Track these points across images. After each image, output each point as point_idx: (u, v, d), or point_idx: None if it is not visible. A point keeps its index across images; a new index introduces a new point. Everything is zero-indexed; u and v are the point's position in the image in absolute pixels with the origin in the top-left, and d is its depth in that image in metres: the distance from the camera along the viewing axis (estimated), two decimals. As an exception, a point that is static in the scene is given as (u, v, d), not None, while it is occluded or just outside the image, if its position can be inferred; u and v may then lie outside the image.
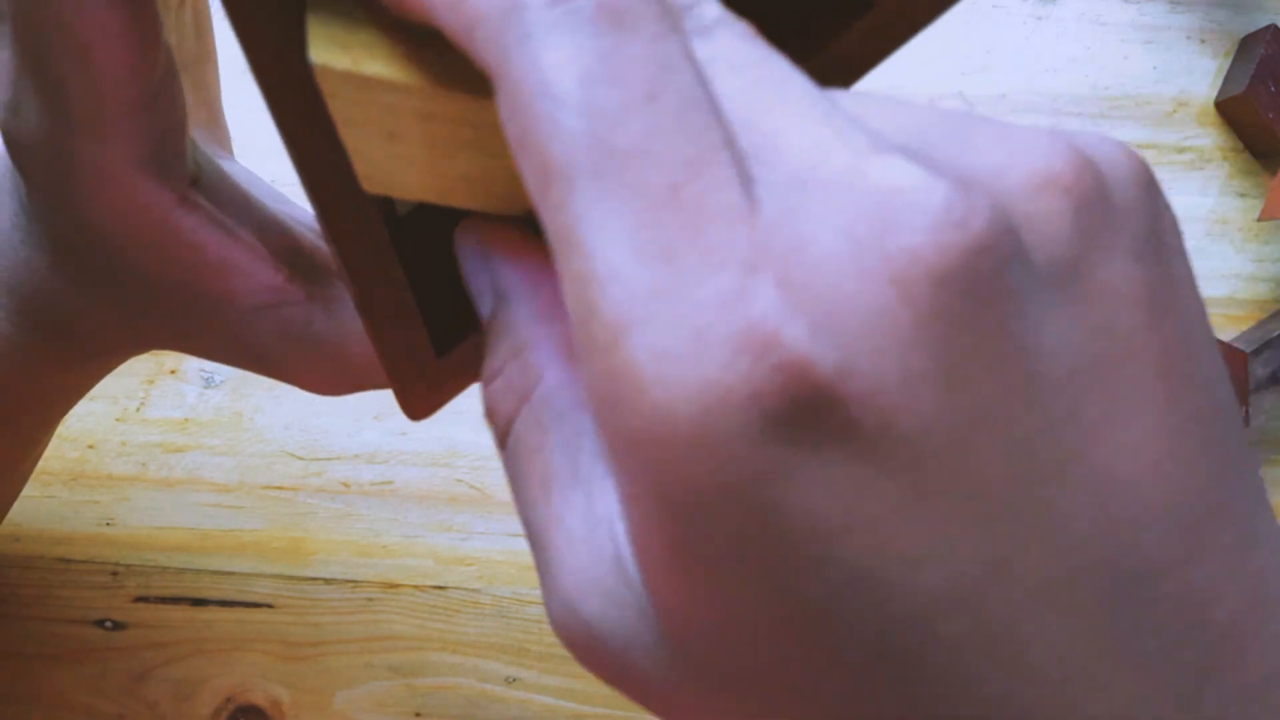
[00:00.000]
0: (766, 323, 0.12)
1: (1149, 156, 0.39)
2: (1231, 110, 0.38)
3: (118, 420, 0.40)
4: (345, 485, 0.40)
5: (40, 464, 0.40)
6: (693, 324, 0.12)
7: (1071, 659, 0.13)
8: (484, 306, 0.18)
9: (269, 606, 0.40)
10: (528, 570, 0.40)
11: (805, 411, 0.12)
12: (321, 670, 0.40)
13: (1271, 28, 0.37)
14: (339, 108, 0.16)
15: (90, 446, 0.40)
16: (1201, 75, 0.39)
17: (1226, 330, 0.38)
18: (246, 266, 0.24)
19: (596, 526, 0.15)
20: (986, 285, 0.12)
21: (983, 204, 0.12)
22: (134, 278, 0.24)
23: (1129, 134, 0.39)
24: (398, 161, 0.17)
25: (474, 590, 0.40)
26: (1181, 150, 0.39)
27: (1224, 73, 0.39)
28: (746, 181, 0.13)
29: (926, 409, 0.12)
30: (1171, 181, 0.39)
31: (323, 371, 0.25)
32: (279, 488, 0.40)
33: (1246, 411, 0.37)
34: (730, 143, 0.13)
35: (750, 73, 0.13)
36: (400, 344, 0.21)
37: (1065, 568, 0.13)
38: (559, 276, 0.13)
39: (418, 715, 0.40)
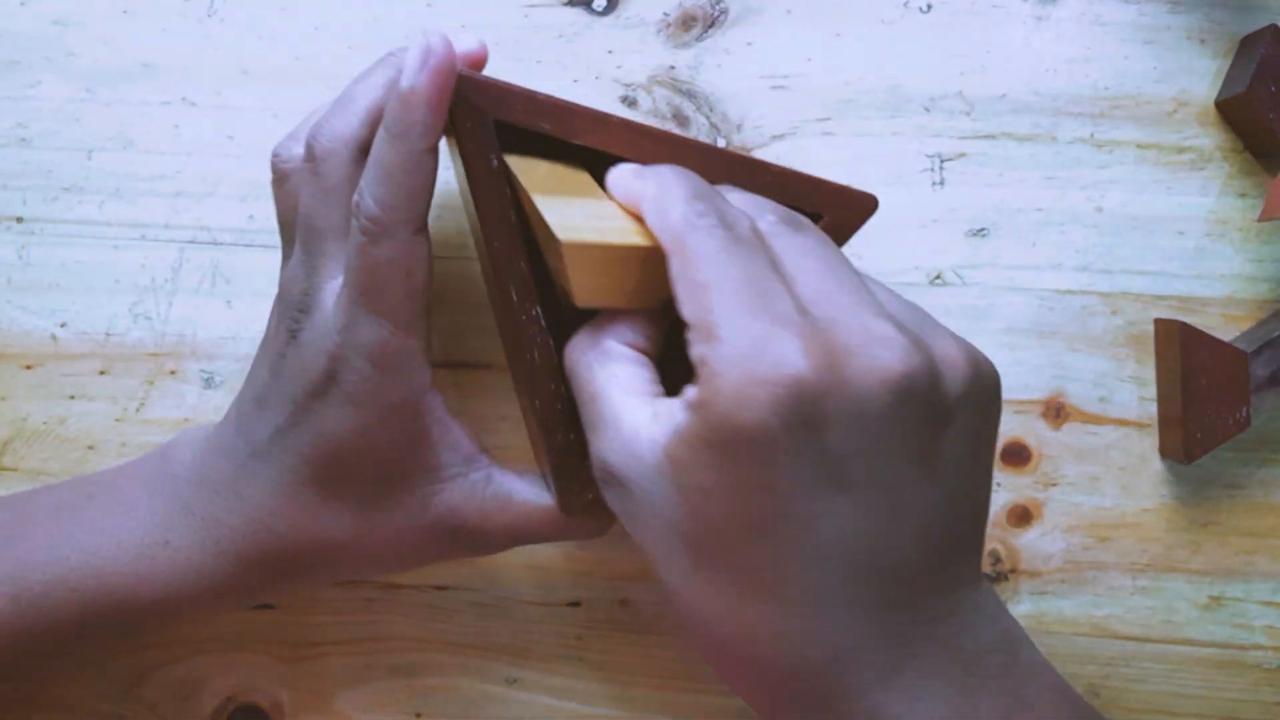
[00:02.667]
0: (792, 356, 0.26)
1: (1149, 157, 0.39)
2: (1231, 110, 0.38)
3: (118, 420, 0.40)
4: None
5: (40, 464, 0.40)
6: (757, 346, 0.26)
7: (834, 568, 0.27)
8: None
9: (269, 607, 0.40)
10: (528, 570, 0.40)
11: (794, 402, 0.25)
12: (322, 670, 0.40)
13: (1272, 27, 0.37)
14: (575, 263, 0.29)
15: (90, 447, 0.40)
16: (1201, 75, 0.39)
17: (1226, 330, 0.38)
18: (457, 440, 0.34)
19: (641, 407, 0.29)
20: (903, 393, 0.26)
21: (919, 357, 0.26)
22: (371, 480, 0.33)
23: (1128, 134, 0.39)
24: (601, 282, 0.30)
25: (475, 590, 0.40)
26: (1181, 150, 0.39)
27: (1224, 73, 0.39)
28: (799, 305, 0.27)
29: (846, 430, 0.26)
30: (1171, 182, 0.39)
31: (499, 522, 0.34)
32: (279, 488, 0.40)
33: (1247, 412, 0.37)
34: (788, 286, 0.28)
35: (811, 257, 0.29)
36: (565, 450, 0.32)
37: (862, 531, 0.27)
38: (693, 326, 0.27)
39: (418, 715, 0.40)
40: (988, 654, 0.28)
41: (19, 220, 0.40)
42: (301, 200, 0.32)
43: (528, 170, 0.32)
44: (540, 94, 0.31)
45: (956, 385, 0.27)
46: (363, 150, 0.32)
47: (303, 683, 0.40)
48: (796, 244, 0.29)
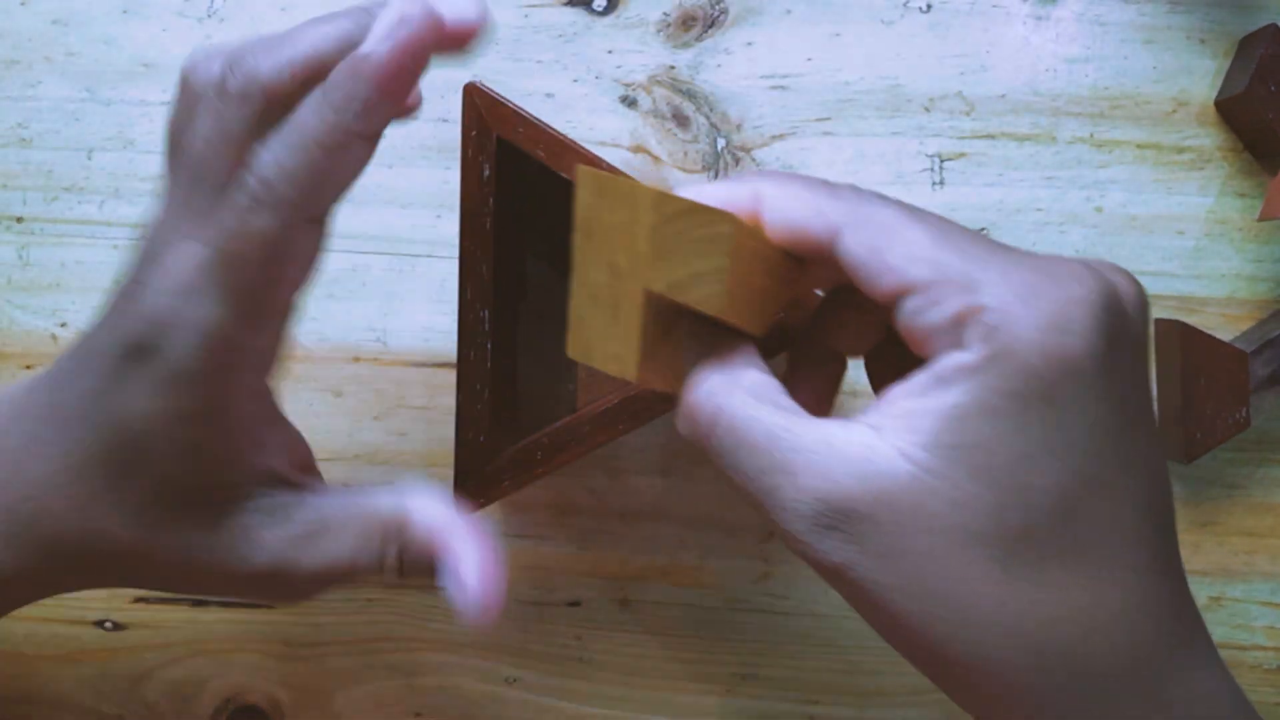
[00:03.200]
0: (1084, 270, 0.23)
1: (1148, 157, 0.39)
2: (1231, 110, 0.38)
3: (117, 421, 0.40)
4: (345, 485, 0.40)
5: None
6: (1030, 283, 0.23)
7: (1140, 544, 0.23)
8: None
9: (269, 607, 0.40)
10: (527, 570, 0.40)
11: (1110, 315, 0.23)
12: (321, 671, 0.40)
13: (1271, 27, 0.37)
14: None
15: (90, 447, 0.40)
16: (1201, 75, 0.39)
17: (1226, 330, 0.38)
18: (278, 463, 0.28)
19: (845, 430, 0.23)
20: (1118, 320, 0.23)
21: (1119, 281, 0.24)
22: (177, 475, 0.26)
23: (1128, 134, 0.39)
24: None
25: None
26: (1181, 150, 0.39)
27: (1224, 73, 0.39)
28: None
29: (1143, 354, 0.24)
30: (1171, 182, 0.39)
31: (305, 562, 0.27)
32: (279, 488, 0.40)
33: (1247, 412, 0.37)
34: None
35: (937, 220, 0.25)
36: (470, 448, 0.33)
37: (1150, 493, 0.23)
38: (927, 289, 0.23)
39: (418, 715, 0.40)
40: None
41: (19, 220, 0.40)
42: (194, 133, 0.26)
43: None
44: (542, 124, 0.32)
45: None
46: (282, 105, 0.26)
47: (302, 683, 0.40)
48: (871, 200, 0.25)
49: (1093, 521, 0.22)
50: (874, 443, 0.23)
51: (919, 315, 0.23)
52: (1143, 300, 0.24)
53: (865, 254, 0.23)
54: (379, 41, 0.24)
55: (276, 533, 0.27)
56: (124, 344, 0.25)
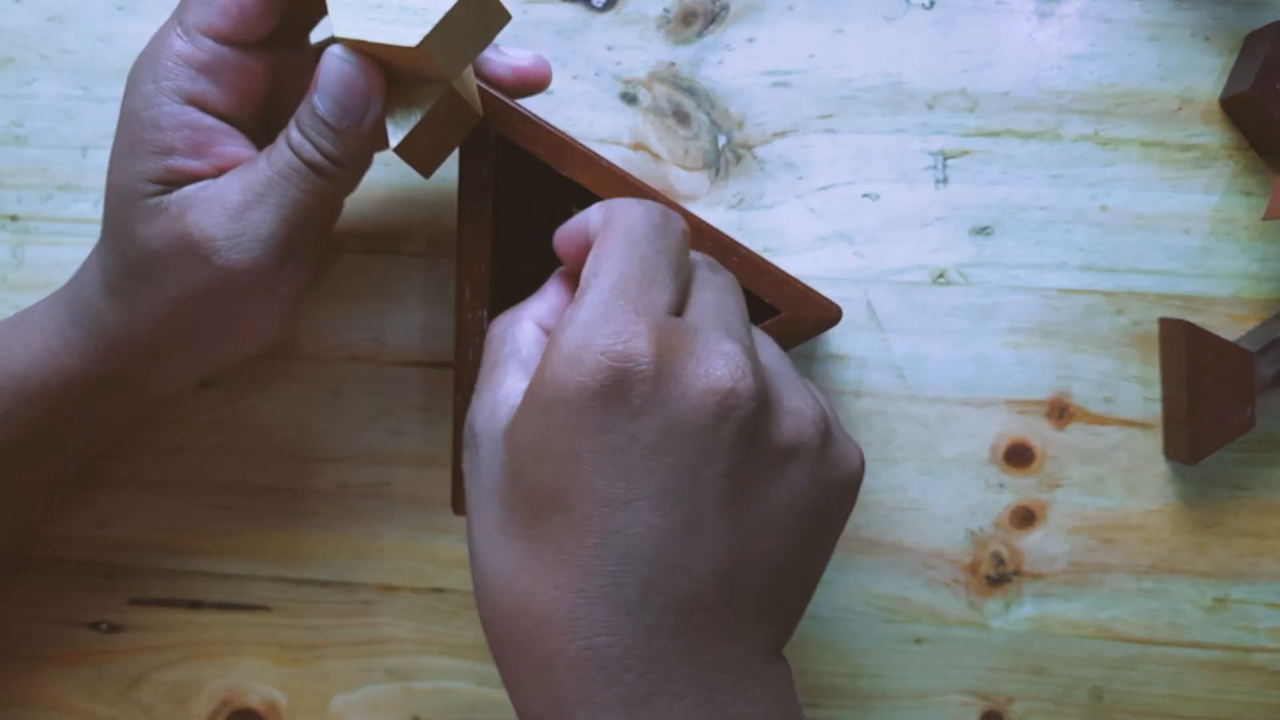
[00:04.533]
0: (626, 335, 0.26)
1: (1153, 154, 0.38)
2: (1236, 108, 0.38)
3: (113, 421, 0.39)
4: (342, 486, 0.40)
5: (34, 465, 0.39)
6: (606, 316, 0.26)
7: (633, 561, 0.26)
8: None
9: (265, 609, 0.40)
10: (527, 572, 0.39)
11: (615, 377, 0.26)
12: (318, 673, 0.40)
13: (1276, 25, 0.37)
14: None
15: (85, 447, 0.39)
16: (1206, 72, 0.38)
17: (1231, 330, 0.38)
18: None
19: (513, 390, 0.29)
20: (733, 414, 0.26)
21: (752, 382, 0.26)
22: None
23: (1133, 131, 0.38)
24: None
25: (472, 593, 0.40)
26: (1186, 148, 0.38)
27: (1229, 70, 0.38)
28: (673, 310, 0.28)
29: (655, 422, 0.26)
30: (1176, 179, 0.38)
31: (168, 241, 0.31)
32: (275, 489, 0.40)
33: (1252, 412, 0.36)
34: (676, 296, 0.28)
35: (710, 288, 0.29)
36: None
37: (658, 530, 0.26)
38: (579, 291, 0.28)
39: (415, 719, 0.40)
40: None
41: (14, 219, 0.40)
42: None
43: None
44: (541, 121, 0.32)
45: (794, 436, 0.27)
46: None
47: (299, 686, 0.40)
48: (705, 276, 0.29)
49: (555, 529, 0.26)
50: (513, 396, 0.28)
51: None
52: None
53: (594, 243, 0.29)
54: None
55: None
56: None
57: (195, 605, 0.40)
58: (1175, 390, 0.37)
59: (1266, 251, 0.38)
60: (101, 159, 0.40)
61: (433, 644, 0.40)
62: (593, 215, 0.30)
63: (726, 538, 0.26)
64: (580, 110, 0.39)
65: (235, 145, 0.31)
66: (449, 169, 0.38)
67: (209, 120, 0.31)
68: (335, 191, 0.32)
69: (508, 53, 0.33)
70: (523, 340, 0.30)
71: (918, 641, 0.39)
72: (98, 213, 0.40)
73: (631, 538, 0.25)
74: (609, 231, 0.28)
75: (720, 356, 0.26)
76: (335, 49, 0.30)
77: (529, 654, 0.26)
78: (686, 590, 0.26)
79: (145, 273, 0.31)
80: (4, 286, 0.40)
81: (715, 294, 0.29)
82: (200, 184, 0.31)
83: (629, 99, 0.39)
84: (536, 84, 0.33)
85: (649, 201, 0.30)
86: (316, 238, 0.34)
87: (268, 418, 0.40)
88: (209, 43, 0.30)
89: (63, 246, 0.40)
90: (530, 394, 0.27)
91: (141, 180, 0.31)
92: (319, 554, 0.40)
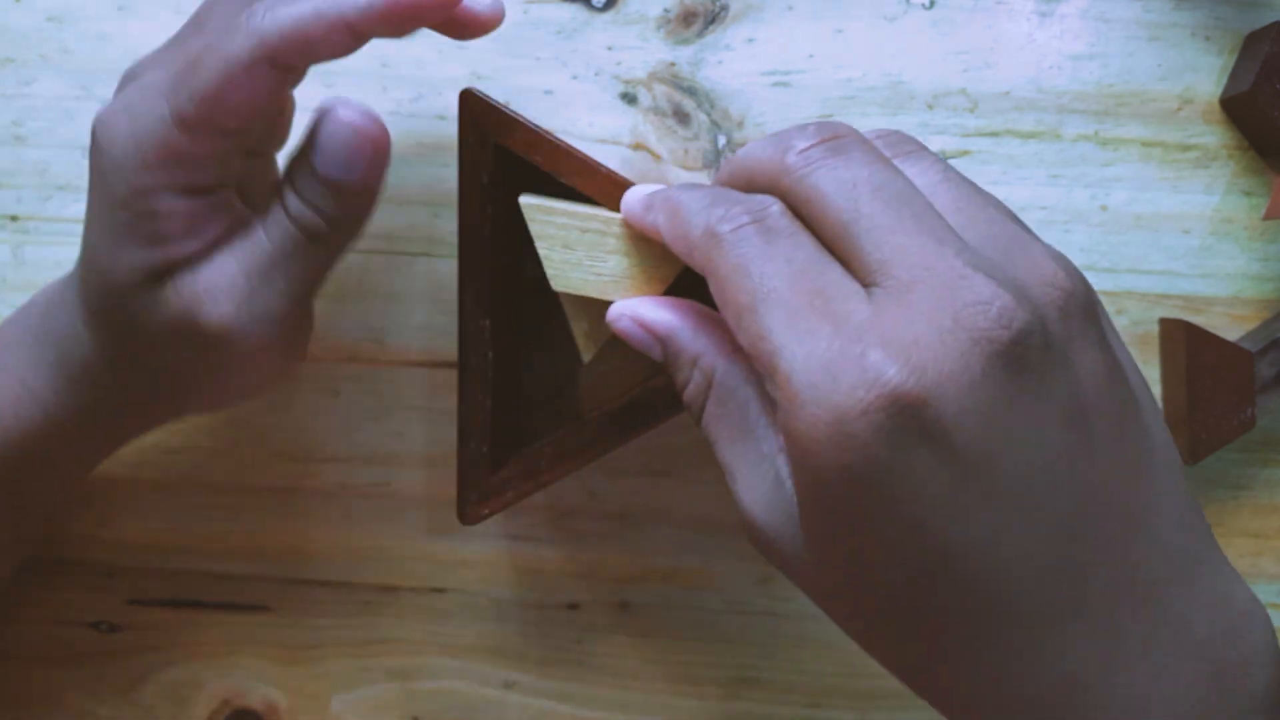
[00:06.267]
0: (873, 369, 0.21)
1: (1153, 154, 0.38)
2: (1236, 108, 0.38)
3: (113, 421, 0.39)
4: (342, 487, 0.40)
5: (34, 465, 0.39)
6: (827, 370, 0.22)
7: (1027, 590, 0.22)
8: (655, 352, 0.29)
9: (265, 609, 0.40)
10: (526, 573, 0.39)
11: (898, 422, 0.21)
12: (318, 674, 0.40)
13: (1277, 25, 0.37)
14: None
15: (85, 447, 0.39)
16: (1207, 72, 0.38)
17: (1231, 330, 0.38)
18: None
19: (763, 460, 0.25)
20: (1023, 351, 0.21)
21: (1024, 311, 0.21)
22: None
23: (1133, 131, 0.38)
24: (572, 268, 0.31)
25: (472, 593, 0.40)
26: (1186, 148, 0.38)
27: (1229, 70, 0.38)
28: (868, 284, 0.23)
29: (972, 427, 0.21)
30: (1176, 180, 0.38)
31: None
32: (275, 489, 0.40)
33: (1252, 412, 0.36)
34: (846, 267, 0.23)
35: (859, 192, 0.24)
36: (473, 458, 0.34)
37: (1038, 539, 0.22)
38: (753, 359, 0.23)
39: (415, 719, 0.40)
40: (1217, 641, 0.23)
41: (13, 219, 0.40)
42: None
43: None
44: (539, 130, 0.32)
45: (1066, 312, 0.22)
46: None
47: (299, 686, 0.40)
48: (836, 179, 0.24)
49: (927, 611, 0.23)
50: (785, 485, 0.25)
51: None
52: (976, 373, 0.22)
53: (720, 305, 0.25)
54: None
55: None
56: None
57: (195, 605, 0.40)
58: (1175, 391, 0.37)
59: (1266, 251, 0.38)
60: (101, 159, 0.40)
61: (433, 644, 0.40)
62: (654, 223, 0.28)
63: (1098, 475, 0.23)
64: (580, 110, 0.39)
65: (222, 213, 0.30)
66: (448, 170, 0.38)
67: (201, 202, 0.29)
68: (335, 258, 0.32)
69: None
70: (731, 386, 0.27)
71: (918, 642, 0.39)
72: (97, 213, 0.40)
73: (1016, 556, 0.22)
74: (712, 269, 0.24)
75: (971, 309, 0.21)
76: (336, 111, 0.29)
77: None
78: (1099, 547, 0.23)
79: (150, 356, 0.30)
80: (5, 286, 0.40)
81: (871, 198, 0.23)
82: (197, 269, 0.29)
83: (629, 99, 0.39)
84: (485, 25, 0.31)
85: (685, 190, 0.27)
86: (318, 289, 0.33)
87: (267, 418, 0.40)
88: (206, 136, 0.28)
89: (63, 246, 0.40)
90: (808, 502, 0.23)
91: (137, 273, 0.29)
92: (319, 554, 0.40)
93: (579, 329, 0.33)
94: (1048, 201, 0.38)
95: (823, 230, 0.24)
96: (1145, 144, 0.38)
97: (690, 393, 0.27)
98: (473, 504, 0.34)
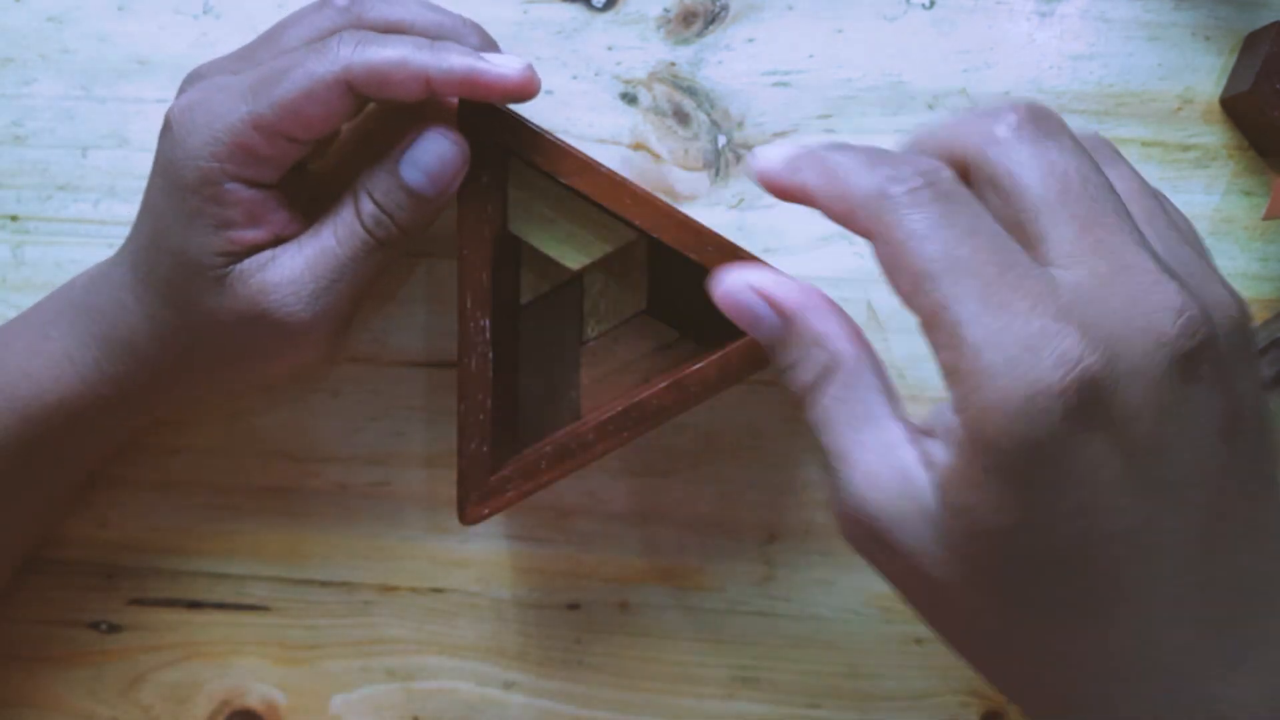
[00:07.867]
0: (1074, 350, 0.21)
1: (1154, 154, 0.38)
2: (1236, 108, 0.38)
3: (113, 421, 0.39)
4: (342, 487, 0.40)
5: (34, 465, 0.39)
6: (1026, 345, 0.22)
7: (1164, 580, 0.23)
8: (763, 328, 0.27)
9: (265, 609, 0.40)
10: (526, 573, 0.39)
11: (1087, 405, 0.21)
12: (318, 674, 0.40)
13: (1276, 25, 0.37)
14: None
15: (85, 448, 0.39)
16: (1206, 72, 0.38)
17: (1232, 330, 0.38)
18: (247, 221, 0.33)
19: (888, 448, 0.25)
20: (1200, 363, 0.22)
21: (1206, 323, 0.22)
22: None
23: (1133, 131, 0.38)
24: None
25: (472, 593, 0.40)
26: (1186, 148, 0.38)
27: (1229, 70, 0.38)
28: (1046, 267, 0.23)
29: (1147, 421, 0.22)
30: (1176, 180, 0.38)
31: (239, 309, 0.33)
32: (275, 489, 0.40)
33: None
34: (1027, 247, 0.23)
35: (1053, 170, 0.24)
36: (473, 458, 0.34)
37: (1180, 536, 0.23)
38: (929, 327, 0.23)
39: (415, 719, 0.40)
40: None
41: (14, 219, 0.40)
42: (299, 26, 0.33)
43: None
44: (539, 130, 0.32)
45: (1233, 339, 0.23)
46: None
47: (299, 686, 0.40)
48: (1046, 161, 0.24)
49: (1075, 592, 0.23)
50: (912, 470, 0.24)
51: (930, 342, 0.23)
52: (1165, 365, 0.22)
53: (885, 268, 0.24)
54: (507, 64, 0.31)
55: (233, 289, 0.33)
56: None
57: (195, 605, 0.40)
58: (1175, 390, 0.37)
59: (1266, 251, 0.38)
60: (102, 159, 0.40)
61: (433, 644, 0.40)
62: (804, 182, 0.26)
63: (1244, 485, 0.24)
64: (580, 110, 0.39)
65: (282, 208, 0.33)
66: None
67: (260, 194, 0.32)
68: (390, 263, 0.34)
69: (495, 62, 0.31)
70: (857, 373, 0.26)
71: (918, 642, 0.39)
72: (98, 213, 0.40)
73: (1172, 554, 0.23)
74: (885, 231, 0.24)
75: (1161, 311, 0.22)
76: (436, 127, 0.32)
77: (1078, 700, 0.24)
78: (1243, 567, 0.24)
79: (206, 333, 0.33)
80: (5, 287, 0.40)
81: (1062, 175, 0.23)
82: (262, 258, 0.32)
83: (629, 99, 0.39)
84: (523, 94, 0.32)
85: (840, 148, 0.26)
86: (372, 289, 0.37)
87: (267, 417, 0.40)
88: (276, 139, 0.31)
89: (63, 246, 0.40)
90: (974, 470, 0.23)
91: (207, 254, 0.32)
92: (319, 554, 0.40)
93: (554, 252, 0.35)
94: (1048, 201, 0.38)
95: (1009, 206, 0.24)
96: (1145, 144, 0.38)
97: (803, 373, 0.27)
98: (473, 504, 0.34)
